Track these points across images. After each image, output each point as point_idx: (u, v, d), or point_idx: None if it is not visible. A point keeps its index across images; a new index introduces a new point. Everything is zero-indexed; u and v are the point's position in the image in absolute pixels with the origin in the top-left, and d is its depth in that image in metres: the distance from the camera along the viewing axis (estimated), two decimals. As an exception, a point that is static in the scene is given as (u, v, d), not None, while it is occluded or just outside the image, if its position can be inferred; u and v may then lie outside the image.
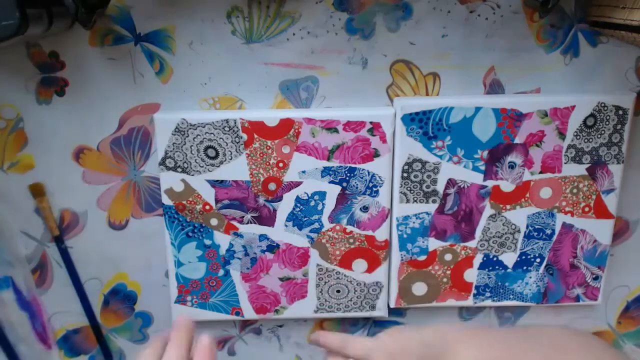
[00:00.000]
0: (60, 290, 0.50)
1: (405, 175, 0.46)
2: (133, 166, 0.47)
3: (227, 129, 0.45)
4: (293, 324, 0.53)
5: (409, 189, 0.47)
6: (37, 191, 0.47)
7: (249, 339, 0.53)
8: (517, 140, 0.46)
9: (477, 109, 0.45)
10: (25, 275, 0.50)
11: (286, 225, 0.47)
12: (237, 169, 0.46)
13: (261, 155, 0.45)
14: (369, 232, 0.48)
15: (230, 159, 0.45)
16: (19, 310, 0.50)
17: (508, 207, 0.47)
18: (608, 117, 0.45)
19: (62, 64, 0.45)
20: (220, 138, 0.45)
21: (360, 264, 0.49)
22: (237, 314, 0.50)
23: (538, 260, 0.49)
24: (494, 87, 0.46)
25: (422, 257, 0.49)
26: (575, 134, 0.46)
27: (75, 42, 0.44)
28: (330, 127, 0.45)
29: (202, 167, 0.46)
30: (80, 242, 0.49)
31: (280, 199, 0.47)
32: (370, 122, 0.45)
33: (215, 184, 0.46)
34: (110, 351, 0.53)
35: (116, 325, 0.52)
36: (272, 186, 0.46)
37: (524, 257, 0.49)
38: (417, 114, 0.45)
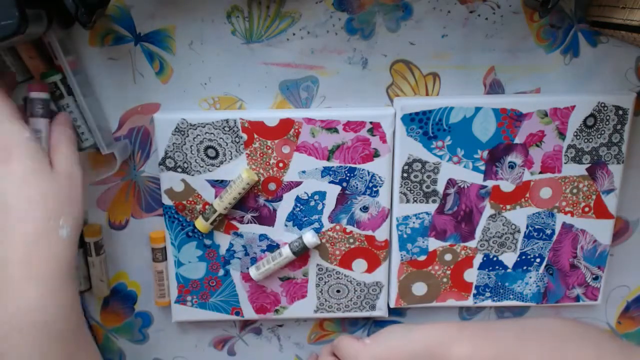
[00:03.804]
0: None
1: (405, 175, 0.46)
2: (133, 166, 0.47)
3: (227, 129, 0.45)
4: (293, 324, 0.53)
5: (408, 189, 0.47)
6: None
7: (249, 339, 0.53)
8: (517, 141, 0.46)
9: (477, 109, 0.45)
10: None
11: (286, 225, 0.47)
12: (237, 169, 0.46)
13: (261, 155, 0.45)
14: (369, 232, 0.48)
15: (231, 159, 0.45)
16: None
17: (508, 207, 0.47)
18: (608, 117, 0.45)
19: (62, 64, 0.45)
20: (220, 138, 0.45)
21: (360, 264, 0.49)
22: (237, 314, 0.50)
23: (538, 260, 0.49)
24: (494, 87, 0.46)
25: (422, 257, 0.49)
26: (575, 134, 0.46)
27: (75, 42, 0.44)
28: (330, 127, 0.45)
29: (202, 167, 0.46)
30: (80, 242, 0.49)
31: (280, 198, 0.47)
32: (370, 122, 0.45)
33: (215, 183, 0.46)
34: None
35: (116, 325, 0.52)
36: (272, 186, 0.46)
37: (524, 257, 0.49)
38: (417, 114, 0.45)
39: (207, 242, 0.48)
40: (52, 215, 0.35)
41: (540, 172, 0.47)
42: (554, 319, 0.44)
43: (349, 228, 0.48)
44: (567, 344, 0.41)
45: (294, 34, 0.44)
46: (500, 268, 0.49)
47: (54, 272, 0.35)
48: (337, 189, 0.46)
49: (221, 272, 0.49)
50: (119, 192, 0.48)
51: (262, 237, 0.48)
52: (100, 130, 0.43)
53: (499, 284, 0.50)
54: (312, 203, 0.47)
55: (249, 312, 0.50)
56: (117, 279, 0.51)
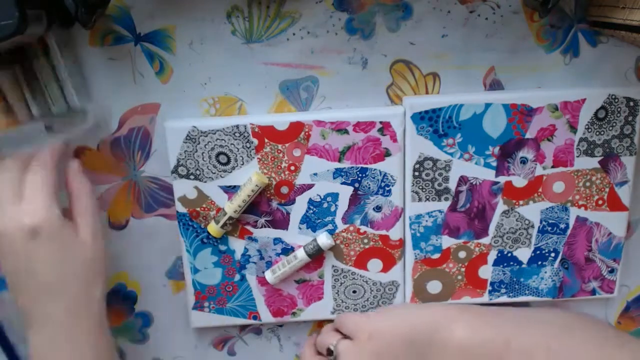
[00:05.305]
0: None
1: (416, 174, 0.46)
2: (133, 166, 0.47)
3: (237, 134, 0.45)
4: (293, 324, 0.52)
5: (420, 187, 0.47)
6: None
7: (249, 339, 0.53)
8: (528, 135, 0.46)
9: (487, 105, 0.45)
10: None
11: (300, 228, 0.47)
12: (249, 174, 0.46)
13: (272, 159, 0.45)
14: (383, 232, 0.48)
15: (242, 164, 0.46)
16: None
17: (521, 202, 0.47)
18: (619, 109, 0.45)
19: (62, 64, 0.45)
20: (232, 144, 0.45)
21: (375, 264, 0.49)
22: (255, 318, 0.50)
23: (553, 254, 0.49)
24: (494, 87, 0.46)
25: (436, 255, 0.49)
26: (587, 126, 0.46)
27: (75, 42, 0.44)
28: (340, 128, 0.45)
29: (214, 173, 0.46)
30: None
31: (293, 202, 0.47)
32: (380, 122, 0.45)
33: (228, 189, 0.46)
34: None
35: (116, 325, 0.52)
36: (284, 189, 0.46)
37: (538, 252, 0.49)
38: (426, 112, 0.45)
39: (222, 247, 0.48)
40: (87, 282, 0.41)
41: (553, 167, 0.47)
42: (555, 309, 0.45)
43: (363, 228, 0.48)
44: (566, 333, 0.41)
45: (294, 34, 0.44)
46: (515, 264, 0.49)
47: (91, 328, 0.41)
48: (349, 189, 0.47)
49: (237, 277, 0.49)
50: (119, 192, 0.48)
51: (277, 240, 0.48)
52: (76, 88, 0.43)
53: (514, 279, 0.50)
54: (325, 205, 0.47)
55: (266, 316, 0.50)
56: (117, 279, 0.50)
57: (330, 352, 0.46)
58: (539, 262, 0.49)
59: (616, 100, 0.45)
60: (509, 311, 0.45)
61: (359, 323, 0.45)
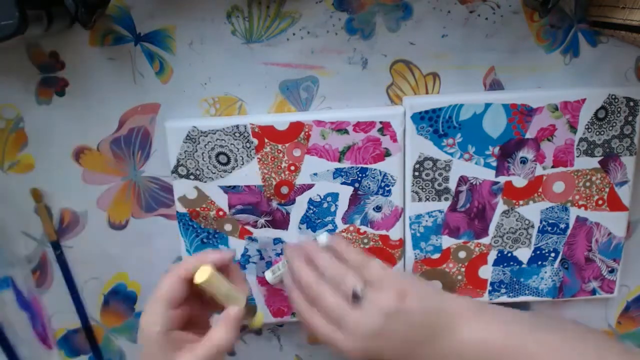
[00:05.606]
0: (61, 290, 0.50)
1: (416, 174, 0.46)
2: (133, 166, 0.47)
3: (237, 134, 0.45)
4: (293, 324, 0.52)
5: (420, 187, 0.47)
6: (35, 197, 0.48)
7: (249, 339, 0.53)
8: (528, 135, 0.46)
9: (487, 105, 0.45)
10: (25, 275, 0.50)
11: (300, 228, 0.47)
12: (249, 174, 0.46)
13: (272, 159, 0.45)
14: (383, 232, 0.48)
15: (242, 164, 0.46)
16: (19, 310, 0.50)
17: (521, 202, 0.47)
18: (619, 109, 0.45)
19: (62, 64, 0.45)
20: (232, 144, 0.45)
21: (375, 264, 0.49)
22: (254, 317, 0.50)
23: (553, 254, 0.49)
24: (494, 87, 0.46)
25: (436, 255, 0.49)
26: (587, 126, 0.46)
27: (75, 42, 0.44)
28: (340, 128, 0.45)
29: (214, 173, 0.46)
30: (80, 242, 0.49)
31: (293, 202, 0.47)
32: (380, 122, 0.45)
33: (228, 189, 0.46)
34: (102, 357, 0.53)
35: (116, 325, 0.52)
36: (284, 189, 0.46)
37: (538, 252, 0.49)
38: (426, 112, 0.45)
39: (222, 247, 0.48)
40: None
41: (553, 167, 0.47)
42: (564, 319, 0.44)
43: (363, 228, 0.48)
44: (565, 333, 0.41)
45: (294, 34, 0.44)
46: (515, 264, 0.49)
47: None
48: (349, 189, 0.47)
49: (237, 277, 0.49)
50: (119, 192, 0.48)
51: (277, 240, 0.48)
52: None
53: (514, 279, 0.50)
54: (325, 205, 0.47)
55: (266, 316, 0.50)
56: (117, 279, 0.51)
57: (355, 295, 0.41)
58: (539, 262, 0.49)
59: (616, 100, 0.45)
60: (510, 312, 0.45)
61: (387, 276, 0.41)
